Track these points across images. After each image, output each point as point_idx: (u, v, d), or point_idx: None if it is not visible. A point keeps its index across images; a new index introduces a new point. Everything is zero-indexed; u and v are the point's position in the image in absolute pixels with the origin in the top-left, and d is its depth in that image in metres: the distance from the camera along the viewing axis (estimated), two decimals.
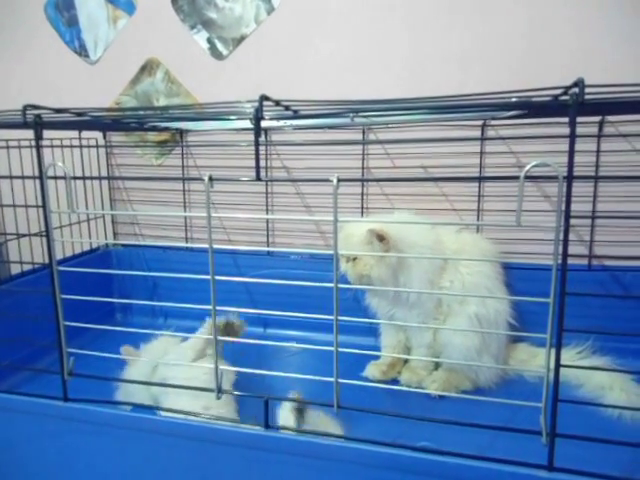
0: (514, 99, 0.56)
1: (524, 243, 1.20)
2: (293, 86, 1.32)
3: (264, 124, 1.15)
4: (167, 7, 1.39)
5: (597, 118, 1.11)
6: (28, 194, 1.13)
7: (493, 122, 1.18)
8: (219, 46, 1.37)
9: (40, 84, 1.53)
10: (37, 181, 0.65)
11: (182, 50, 1.39)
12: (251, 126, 0.57)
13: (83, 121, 0.72)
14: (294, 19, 1.29)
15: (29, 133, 0.66)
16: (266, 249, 1.37)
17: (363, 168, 1.30)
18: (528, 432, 0.55)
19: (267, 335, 1.31)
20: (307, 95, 0.66)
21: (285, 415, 0.70)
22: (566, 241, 0.52)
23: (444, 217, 1.25)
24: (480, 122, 1.19)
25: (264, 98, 0.57)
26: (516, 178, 0.50)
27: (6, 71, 1.55)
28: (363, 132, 1.28)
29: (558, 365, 0.54)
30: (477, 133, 1.20)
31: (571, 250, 0.52)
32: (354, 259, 0.96)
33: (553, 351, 0.54)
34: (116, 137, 1.50)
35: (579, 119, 0.50)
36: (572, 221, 0.52)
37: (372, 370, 1.04)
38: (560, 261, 0.52)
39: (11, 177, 0.92)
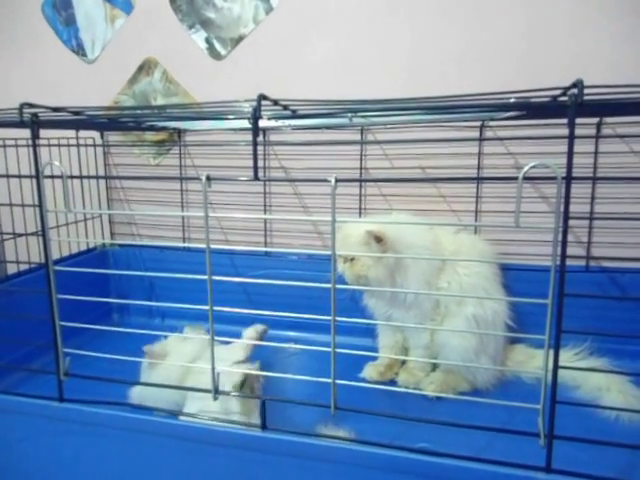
0: (512, 100, 0.56)
1: (522, 244, 1.20)
2: (291, 86, 1.32)
3: (262, 124, 1.15)
4: (165, 6, 1.38)
5: (595, 119, 1.11)
6: (25, 193, 1.12)
7: (491, 123, 1.18)
8: (217, 46, 1.37)
9: (37, 83, 1.52)
10: (34, 180, 0.65)
11: (180, 50, 1.39)
12: (249, 126, 0.57)
13: (80, 120, 0.72)
14: (293, 19, 1.29)
15: (26, 132, 0.65)
16: (264, 249, 1.37)
17: (361, 169, 1.30)
18: (526, 434, 0.55)
19: (265, 335, 1.31)
20: (305, 95, 0.66)
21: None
22: (565, 242, 0.52)
23: (442, 218, 1.25)
24: (478, 123, 1.19)
25: (262, 97, 0.57)
26: (514, 179, 0.50)
27: (3, 70, 1.55)
28: (361, 132, 1.28)
29: (556, 367, 0.54)
30: (475, 134, 1.20)
31: (569, 251, 0.52)
32: (352, 259, 0.96)
33: (551, 352, 0.54)
34: (114, 136, 1.49)
35: (577, 120, 0.50)
36: (570, 222, 0.51)
37: (370, 371, 1.04)
38: (559, 262, 0.52)
39: (8, 176, 0.91)
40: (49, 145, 1.25)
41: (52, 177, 0.69)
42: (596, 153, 1.14)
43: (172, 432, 0.62)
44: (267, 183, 1.37)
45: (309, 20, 1.28)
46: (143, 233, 1.53)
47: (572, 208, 0.52)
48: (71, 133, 1.32)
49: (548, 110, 0.54)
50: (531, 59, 1.15)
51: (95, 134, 1.44)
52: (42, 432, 0.69)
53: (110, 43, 1.45)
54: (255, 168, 0.59)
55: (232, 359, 0.82)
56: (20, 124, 0.63)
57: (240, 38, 1.34)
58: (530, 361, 1.06)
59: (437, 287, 0.99)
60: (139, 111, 1.10)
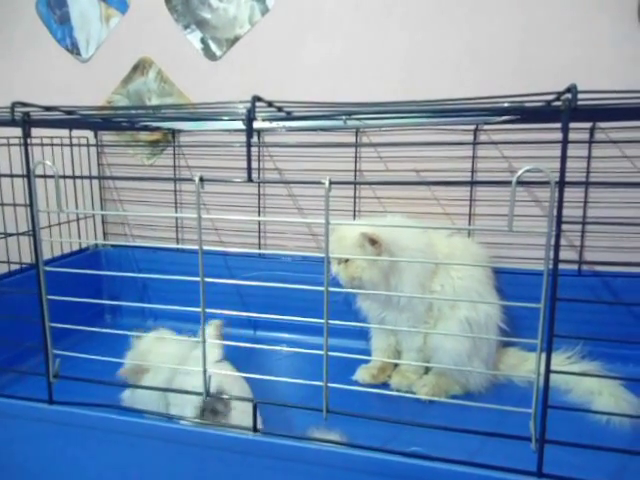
0: (506, 104, 0.56)
1: (515, 248, 1.20)
2: (287, 88, 1.32)
3: (257, 125, 1.15)
4: (161, 6, 1.38)
5: (588, 124, 1.12)
6: (17, 193, 1.11)
7: (486, 127, 1.19)
8: (213, 46, 1.36)
9: (31, 82, 1.51)
10: (26, 179, 0.64)
11: (175, 50, 1.39)
12: (244, 127, 0.57)
13: (72, 119, 0.71)
14: (288, 20, 1.29)
15: (18, 131, 0.65)
16: (258, 251, 1.36)
17: (356, 171, 1.30)
18: (517, 438, 0.55)
19: (257, 337, 1.30)
20: (301, 97, 0.66)
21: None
22: (557, 246, 0.52)
23: (436, 221, 1.25)
24: (473, 126, 1.19)
25: (257, 99, 0.56)
26: (508, 183, 0.50)
27: None
28: (356, 135, 1.28)
29: (548, 371, 0.54)
30: (470, 138, 1.20)
31: (562, 255, 0.52)
32: (346, 261, 0.96)
33: (543, 356, 0.54)
34: (107, 136, 1.48)
35: (571, 125, 0.51)
36: (563, 226, 0.52)
37: (362, 374, 1.04)
38: (551, 266, 0.52)
39: None
40: (42, 144, 1.24)
41: (44, 177, 0.69)
42: (589, 158, 1.14)
43: (162, 435, 0.61)
44: (261, 185, 1.37)
45: (305, 21, 1.28)
46: (136, 234, 1.52)
47: (565, 212, 0.52)
48: (64, 132, 1.32)
49: (542, 115, 0.54)
50: (526, 64, 1.16)
51: (89, 134, 1.43)
52: (31, 434, 0.68)
53: (105, 42, 1.44)
54: (249, 169, 0.58)
55: (210, 359, 0.81)
56: (11, 123, 0.62)
57: (236, 39, 1.34)
58: (523, 364, 1.06)
59: (431, 290, 0.99)
60: (132, 111, 1.10)
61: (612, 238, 1.17)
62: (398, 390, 1.00)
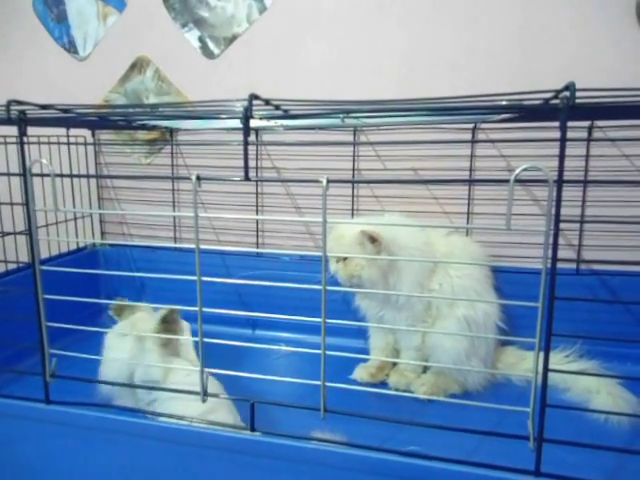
0: (504, 102, 0.56)
1: (513, 247, 1.20)
2: (285, 86, 1.31)
3: (255, 124, 1.15)
4: (158, 5, 1.37)
5: (586, 123, 1.12)
6: (14, 191, 1.11)
7: (484, 125, 1.19)
8: (210, 45, 1.36)
9: (28, 80, 1.51)
10: (22, 178, 0.64)
11: (173, 48, 1.38)
12: (241, 125, 0.57)
13: (69, 118, 0.71)
14: (286, 19, 1.29)
15: (16, 129, 0.64)
16: (255, 250, 1.36)
17: (354, 170, 1.30)
18: (515, 437, 0.55)
19: (256, 336, 1.30)
20: (299, 95, 0.66)
21: None
22: (556, 245, 0.52)
23: (434, 220, 1.25)
24: (471, 125, 1.19)
25: (254, 97, 0.56)
26: (506, 181, 0.50)
27: None
28: (354, 134, 1.28)
29: (546, 370, 0.54)
30: (468, 136, 1.20)
31: (560, 254, 0.52)
32: (345, 259, 0.96)
33: (541, 355, 0.54)
34: (105, 135, 1.48)
35: (569, 123, 0.50)
36: (561, 225, 0.51)
37: (361, 372, 1.04)
38: (549, 265, 0.52)
39: None
40: (39, 143, 1.24)
41: (42, 175, 0.68)
42: (587, 156, 1.14)
43: (160, 434, 0.61)
44: (259, 183, 1.37)
45: (303, 20, 1.28)
46: (134, 233, 1.51)
47: (563, 211, 0.52)
48: (62, 131, 1.31)
49: (540, 112, 0.54)
50: (524, 63, 1.16)
51: (86, 132, 1.42)
52: (28, 434, 0.68)
53: (102, 41, 1.44)
54: (246, 168, 0.58)
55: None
56: (7, 121, 0.62)
57: (233, 37, 1.34)
58: (521, 363, 1.06)
59: (429, 289, 0.99)
60: (130, 109, 1.09)
61: (610, 237, 1.17)
62: (396, 389, 1.00)
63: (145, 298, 1.40)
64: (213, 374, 0.72)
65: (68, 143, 1.34)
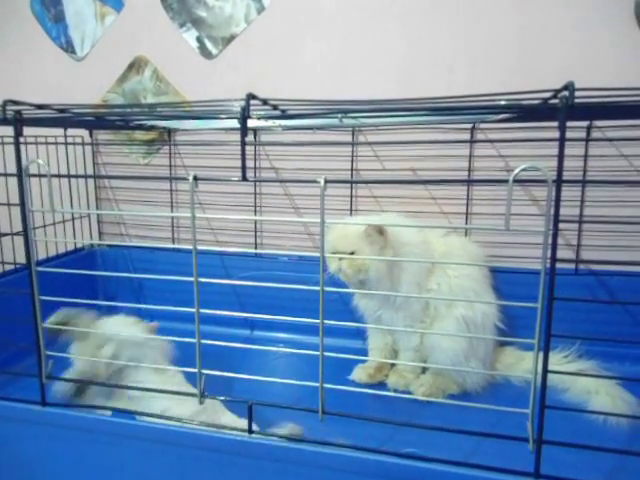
0: (503, 102, 0.56)
1: (513, 247, 1.20)
2: (283, 86, 1.31)
3: (253, 124, 1.14)
4: (156, 5, 1.37)
5: (585, 123, 1.12)
6: (12, 192, 1.10)
7: (482, 125, 1.18)
8: (209, 45, 1.36)
9: (25, 81, 1.50)
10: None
11: (171, 48, 1.38)
12: (239, 126, 0.56)
13: (65, 118, 0.70)
14: (285, 19, 1.28)
15: (12, 129, 0.64)
16: (254, 251, 1.36)
17: (352, 170, 1.29)
18: (514, 439, 0.54)
19: (254, 337, 1.30)
20: (297, 96, 0.65)
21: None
22: (555, 245, 0.51)
23: (432, 220, 1.25)
24: (469, 125, 1.19)
25: (251, 97, 0.56)
26: (505, 182, 0.50)
27: None
28: (353, 134, 1.27)
29: (546, 371, 0.53)
30: (466, 136, 1.20)
31: (559, 254, 0.52)
32: (351, 254, 0.94)
33: (540, 356, 0.54)
34: (103, 135, 1.47)
35: (568, 124, 0.50)
36: (560, 225, 0.51)
37: (359, 373, 1.04)
38: (549, 265, 0.52)
39: None
40: (36, 143, 1.23)
41: (38, 176, 0.68)
42: (586, 156, 1.14)
43: (156, 436, 0.60)
44: (258, 184, 1.36)
45: (301, 20, 1.27)
46: (132, 233, 1.51)
47: (562, 211, 0.51)
48: (60, 132, 1.31)
49: (539, 112, 0.53)
50: (523, 63, 1.15)
51: (84, 133, 1.42)
52: (24, 437, 0.67)
53: (100, 41, 1.43)
54: (243, 168, 0.58)
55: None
56: (3, 121, 0.62)
57: (232, 37, 1.33)
58: (520, 363, 1.05)
59: (427, 289, 0.99)
60: (128, 109, 1.09)
61: (609, 237, 1.17)
62: (395, 390, 0.99)
63: (143, 298, 1.40)
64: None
65: (66, 143, 1.33)
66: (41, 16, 1.47)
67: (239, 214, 1.39)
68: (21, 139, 0.65)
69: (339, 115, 0.70)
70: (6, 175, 0.96)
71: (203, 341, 0.62)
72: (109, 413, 0.68)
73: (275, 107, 0.62)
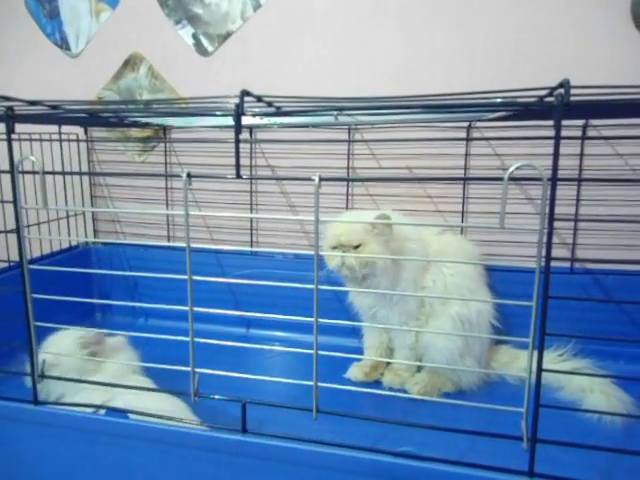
0: (499, 100, 0.56)
1: (508, 245, 1.20)
2: (279, 84, 1.31)
3: (249, 121, 1.14)
4: (152, 1, 1.36)
5: (581, 121, 1.12)
6: (6, 189, 1.09)
7: (479, 124, 1.18)
8: (204, 42, 1.35)
9: (19, 77, 1.49)
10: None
11: (167, 45, 1.37)
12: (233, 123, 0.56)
13: (58, 115, 0.70)
14: (281, 16, 1.28)
15: (3, 126, 0.63)
16: (250, 249, 1.35)
17: (348, 168, 1.29)
18: (509, 437, 0.54)
19: (250, 335, 1.30)
20: (293, 93, 0.65)
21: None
22: (549, 244, 0.51)
23: (428, 218, 1.25)
24: (466, 124, 1.19)
25: (245, 93, 0.55)
26: (500, 180, 0.50)
27: None
28: (349, 132, 1.27)
29: (540, 369, 0.53)
30: (463, 135, 1.20)
31: (554, 253, 0.52)
32: (356, 248, 0.93)
33: (535, 355, 0.54)
34: (98, 132, 1.46)
35: (564, 122, 0.50)
36: (555, 224, 0.51)
37: (355, 371, 1.03)
38: (543, 264, 0.51)
39: None
40: (30, 140, 1.23)
41: (33, 173, 0.67)
42: (582, 155, 1.14)
43: (150, 435, 0.60)
44: (254, 182, 1.36)
45: (297, 17, 1.27)
46: (127, 231, 1.50)
47: (557, 210, 0.51)
48: (55, 128, 1.30)
49: (534, 110, 0.53)
50: (519, 62, 1.15)
51: (79, 130, 1.41)
52: (17, 436, 0.67)
53: (95, 37, 1.42)
54: (237, 166, 0.57)
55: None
56: None
57: (228, 34, 1.33)
58: (515, 362, 1.06)
59: (422, 286, 0.99)
60: (122, 106, 1.08)
61: (604, 236, 1.17)
62: (390, 388, 0.99)
63: (138, 296, 1.39)
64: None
65: (60, 140, 1.32)
66: (36, 12, 1.45)
67: (235, 212, 1.38)
68: (15, 136, 0.64)
69: (334, 112, 0.69)
70: None
71: (197, 339, 0.61)
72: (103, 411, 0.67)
73: (270, 104, 0.62)
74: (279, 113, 0.61)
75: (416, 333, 1.00)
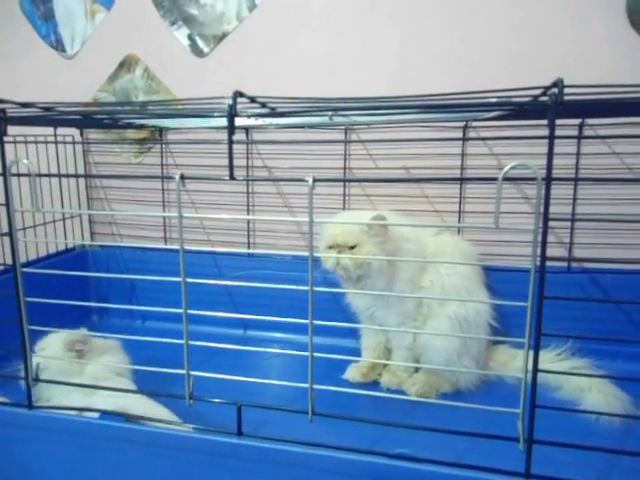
0: (494, 99, 0.56)
1: (505, 245, 1.20)
2: (275, 84, 1.30)
3: (245, 122, 1.13)
4: (147, 2, 1.36)
5: (577, 121, 1.12)
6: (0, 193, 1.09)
7: (475, 124, 1.18)
8: (200, 43, 1.35)
9: (13, 79, 1.49)
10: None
11: (162, 47, 1.37)
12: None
13: (51, 117, 0.69)
14: (276, 16, 1.28)
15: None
16: (247, 250, 1.35)
17: (345, 168, 1.29)
18: (505, 439, 0.54)
19: (248, 337, 1.29)
20: (289, 94, 0.65)
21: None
22: (544, 243, 0.51)
23: (425, 218, 1.24)
24: (462, 123, 1.18)
25: (238, 94, 0.55)
26: (495, 179, 0.50)
27: None
28: (345, 132, 1.27)
29: (536, 370, 0.53)
30: (459, 135, 1.20)
31: (551, 252, 0.51)
32: (352, 248, 0.92)
33: (531, 355, 0.53)
34: (94, 134, 1.46)
35: (559, 121, 0.50)
36: (552, 223, 0.51)
37: (352, 372, 1.03)
38: (538, 263, 0.51)
39: None
40: (26, 142, 1.22)
41: (27, 175, 0.67)
42: (578, 154, 1.14)
43: (145, 439, 0.60)
44: (250, 183, 1.36)
45: (293, 18, 1.27)
46: (124, 233, 1.50)
47: (554, 209, 0.51)
48: (50, 130, 1.29)
49: (528, 109, 0.53)
50: (515, 61, 1.15)
51: (74, 132, 1.41)
52: (11, 440, 0.66)
53: (90, 39, 1.42)
54: (230, 167, 0.57)
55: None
56: None
57: (223, 35, 1.32)
58: (512, 361, 1.05)
59: (420, 286, 0.98)
60: (117, 107, 1.07)
61: (601, 235, 1.17)
62: (388, 388, 0.99)
63: (136, 299, 1.39)
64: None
65: (56, 142, 1.32)
66: (30, 14, 1.45)
67: (232, 213, 1.38)
68: (9, 138, 0.64)
69: (329, 113, 0.69)
70: None
71: (193, 342, 0.61)
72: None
73: (263, 105, 0.62)
74: (273, 114, 0.61)
75: (414, 333, 1.00)
